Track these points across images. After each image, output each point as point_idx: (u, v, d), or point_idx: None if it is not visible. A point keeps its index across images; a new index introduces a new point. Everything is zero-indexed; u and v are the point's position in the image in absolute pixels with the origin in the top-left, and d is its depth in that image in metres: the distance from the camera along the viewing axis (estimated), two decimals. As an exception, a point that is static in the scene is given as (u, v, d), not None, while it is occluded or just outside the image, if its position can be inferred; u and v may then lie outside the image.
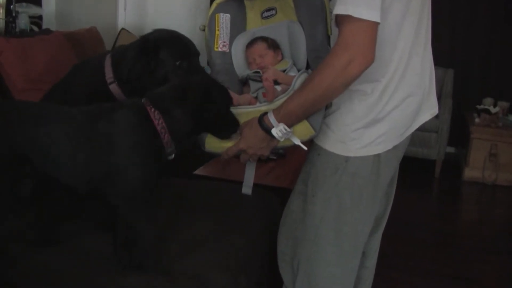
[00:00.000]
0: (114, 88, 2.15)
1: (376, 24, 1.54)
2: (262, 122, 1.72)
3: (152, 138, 1.79)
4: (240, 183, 1.99)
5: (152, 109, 1.79)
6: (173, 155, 1.86)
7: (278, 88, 1.92)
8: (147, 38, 2.15)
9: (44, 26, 4.73)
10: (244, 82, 2.08)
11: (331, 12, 1.83)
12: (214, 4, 2.08)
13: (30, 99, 2.79)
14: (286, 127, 1.69)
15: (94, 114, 1.81)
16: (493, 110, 5.37)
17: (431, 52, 1.88)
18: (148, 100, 1.82)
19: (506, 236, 4.18)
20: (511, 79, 5.81)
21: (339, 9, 1.54)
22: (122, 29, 4.68)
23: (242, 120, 1.82)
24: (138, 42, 2.16)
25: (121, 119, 1.78)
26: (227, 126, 1.84)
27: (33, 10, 4.55)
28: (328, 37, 1.94)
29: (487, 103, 5.54)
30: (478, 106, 5.52)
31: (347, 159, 1.78)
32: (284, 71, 2.00)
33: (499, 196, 5.12)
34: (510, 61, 5.77)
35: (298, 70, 2.02)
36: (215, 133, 1.85)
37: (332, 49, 1.60)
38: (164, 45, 2.10)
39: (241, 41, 2.10)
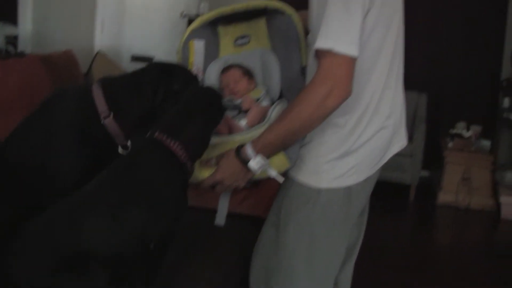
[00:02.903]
0: (110, 122, 1.92)
1: (354, 58, 1.58)
2: (239, 153, 1.72)
3: (180, 172, 1.74)
4: (214, 212, 1.99)
5: (172, 142, 1.72)
6: None
7: (243, 122, 1.93)
8: (156, 66, 2.04)
9: (19, 46, 4.71)
10: None
11: (308, 46, 1.85)
12: (188, 31, 2.07)
13: (2, 123, 2.77)
14: (264, 159, 1.70)
15: (121, 174, 1.71)
16: (466, 134, 5.42)
17: (403, 85, 1.91)
18: (162, 133, 1.73)
19: (480, 260, 4.21)
20: (484, 103, 5.88)
21: (320, 43, 1.58)
22: (98, 52, 4.66)
23: (218, 151, 1.83)
24: (153, 71, 2.02)
25: (151, 168, 1.72)
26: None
27: (9, 30, 4.53)
28: (302, 67, 1.96)
29: (460, 127, 5.59)
30: (451, 131, 5.57)
31: (319, 190, 1.79)
32: (258, 99, 2.01)
33: (473, 220, 5.15)
34: (482, 85, 5.84)
35: (271, 99, 2.04)
36: None
37: (310, 82, 1.63)
38: (177, 72, 2.01)
39: (214, 68, 2.11)
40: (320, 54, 1.60)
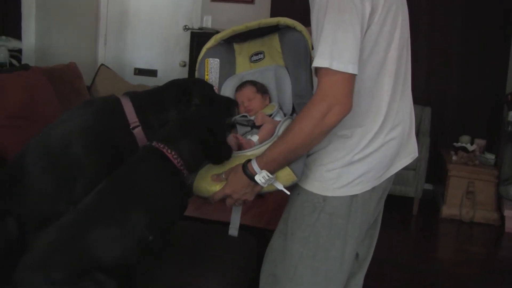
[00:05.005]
0: (138, 132, 2.03)
1: (353, 75, 1.60)
2: (245, 169, 1.75)
3: (176, 178, 1.83)
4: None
5: (169, 151, 1.82)
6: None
7: (255, 138, 1.94)
8: (176, 84, 2.13)
9: (23, 60, 4.73)
10: (231, 125, 2.11)
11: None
12: (204, 49, 2.13)
13: (7, 135, 2.78)
14: (269, 174, 1.73)
15: (120, 181, 1.81)
16: (470, 148, 5.42)
17: (411, 97, 1.91)
18: (160, 142, 1.84)
19: (484, 273, 4.20)
20: (488, 117, 5.86)
21: (318, 62, 1.60)
22: (102, 65, 4.68)
23: (227, 166, 1.85)
24: (172, 87, 2.11)
25: (148, 173, 1.82)
26: (224, 153, 1.91)
27: (13, 43, 4.55)
28: (313, 83, 1.97)
29: (464, 140, 5.58)
30: (455, 144, 5.56)
31: (324, 198, 1.81)
32: (270, 115, 2.03)
33: (476, 234, 5.13)
34: (487, 99, 5.82)
35: (285, 114, 2.06)
36: (214, 159, 1.91)
37: (310, 99, 1.65)
38: (195, 87, 2.09)
39: (230, 84, 2.15)
40: (319, 72, 1.62)
